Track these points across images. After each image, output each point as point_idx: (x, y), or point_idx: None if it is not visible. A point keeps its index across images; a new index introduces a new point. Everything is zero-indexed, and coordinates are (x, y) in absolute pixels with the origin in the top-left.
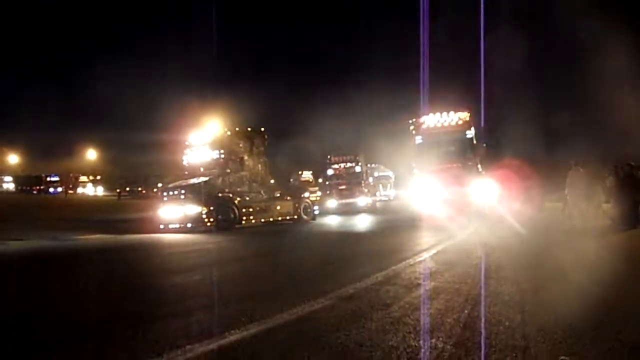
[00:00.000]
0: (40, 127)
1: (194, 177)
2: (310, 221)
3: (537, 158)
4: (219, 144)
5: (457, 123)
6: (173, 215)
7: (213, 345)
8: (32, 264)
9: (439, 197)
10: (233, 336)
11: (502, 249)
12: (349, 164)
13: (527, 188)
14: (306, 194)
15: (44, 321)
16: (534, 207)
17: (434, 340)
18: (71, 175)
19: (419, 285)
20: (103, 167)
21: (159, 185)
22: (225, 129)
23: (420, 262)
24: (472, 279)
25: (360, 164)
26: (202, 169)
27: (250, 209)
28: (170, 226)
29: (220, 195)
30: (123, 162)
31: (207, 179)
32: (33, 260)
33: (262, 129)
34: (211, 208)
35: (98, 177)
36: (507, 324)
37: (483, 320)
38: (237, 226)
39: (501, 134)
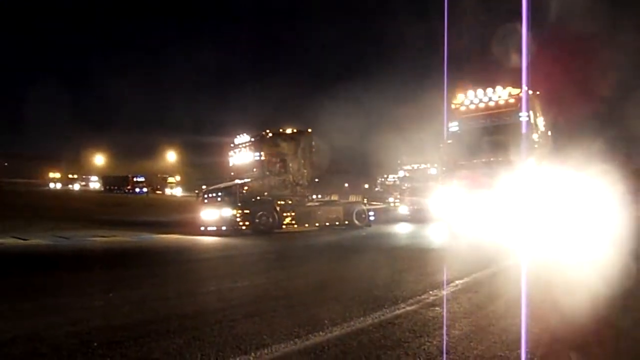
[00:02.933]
0: (124, 130)
1: (235, 179)
2: (364, 227)
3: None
4: (259, 146)
5: (507, 102)
6: (211, 218)
7: (299, 346)
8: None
9: (478, 208)
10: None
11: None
12: (422, 166)
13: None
14: (359, 198)
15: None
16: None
17: None
18: (158, 175)
19: None
20: (182, 168)
21: (203, 187)
22: (267, 130)
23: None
24: None
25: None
26: (245, 172)
27: (293, 213)
28: (209, 228)
29: (258, 198)
30: (203, 163)
31: (242, 181)
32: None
33: (309, 130)
34: (246, 211)
35: (177, 179)
36: None
37: None
38: (276, 231)
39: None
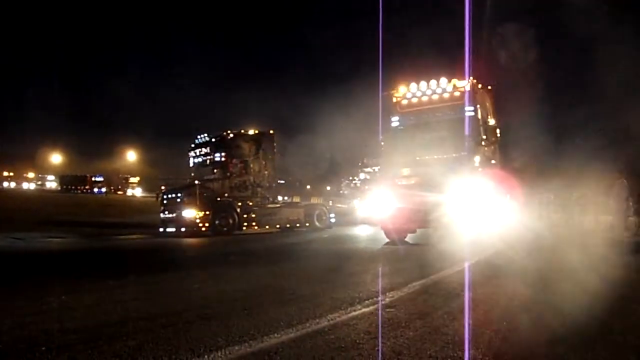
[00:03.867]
0: (82, 128)
1: (195, 180)
2: (325, 229)
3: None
4: (220, 146)
5: (452, 95)
6: (170, 219)
7: (252, 348)
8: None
9: (418, 209)
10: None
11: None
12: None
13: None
14: (321, 200)
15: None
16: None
17: None
18: (120, 176)
19: None
20: (143, 168)
21: (162, 188)
22: (228, 131)
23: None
24: None
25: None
26: (206, 172)
27: (253, 215)
28: (168, 230)
29: (219, 199)
30: (164, 163)
31: (203, 182)
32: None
33: (272, 131)
34: (206, 213)
35: (137, 179)
36: None
37: None
38: (237, 233)
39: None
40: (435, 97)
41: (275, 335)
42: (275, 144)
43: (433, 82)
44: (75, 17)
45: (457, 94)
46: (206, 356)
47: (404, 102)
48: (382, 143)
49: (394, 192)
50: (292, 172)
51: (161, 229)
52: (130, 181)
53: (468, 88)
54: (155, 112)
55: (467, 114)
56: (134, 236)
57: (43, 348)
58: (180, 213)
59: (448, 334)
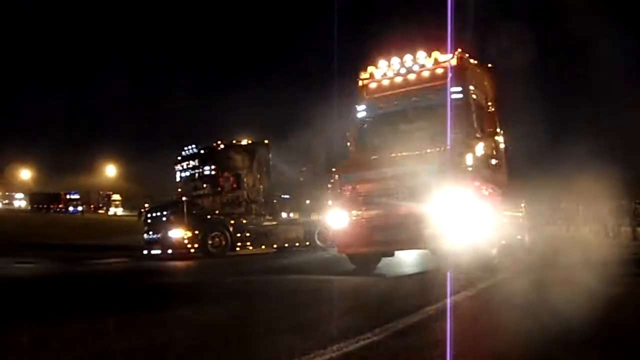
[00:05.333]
0: (54, 142)
1: (182, 196)
2: (327, 248)
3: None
4: (210, 159)
5: (433, 73)
6: (155, 240)
7: None
8: None
9: (383, 223)
10: None
11: None
12: None
13: None
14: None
15: None
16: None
17: None
18: (100, 193)
19: None
20: (123, 184)
21: (145, 205)
22: (218, 141)
23: None
24: None
25: None
26: (194, 188)
27: (247, 234)
28: (153, 252)
29: (209, 217)
30: (148, 178)
31: (191, 199)
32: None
33: (266, 141)
34: (195, 232)
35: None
36: None
37: None
38: (230, 254)
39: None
40: (411, 76)
41: None
42: (270, 155)
43: (408, 57)
44: (51, 23)
45: (439, 71)
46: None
47: (372, 85)
48: (347, 140)
49: (351, 204)
50: (290, 185)
51: (145, 252)
52: (112, 199)
53: (454, 62)
54: (137, 123)
55: (453, 96)
56: (113, 260)
57: None
58: (166, 233)
59: None
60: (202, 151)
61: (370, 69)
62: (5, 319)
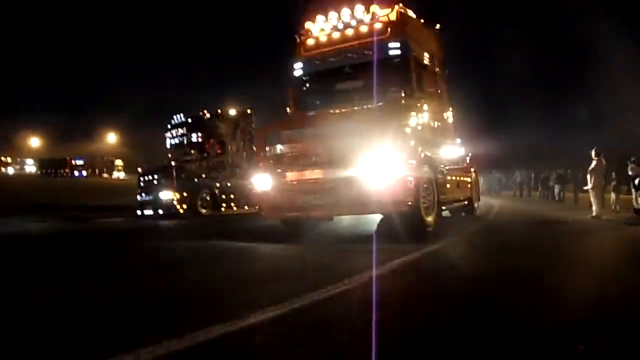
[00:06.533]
0: (61, 111)
1: (172, 161)
2: None
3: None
4: (197, 127)
5: (371, 28)
6: (148, 202)
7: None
8: None
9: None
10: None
11: None
12: None
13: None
14: None
15: None
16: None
17: None
18: (105, 158)
19: None
20: (124, 150)
21: (139, 170)
22: (204, 110)
23: None
24: None
25: None
26: (183, 153)
27: (232, 196)
28: (145, 212)
29: (196, 180)
30: (146, 145)
31: (180, 163)
32: None
33: (249, 110)
34: (184, 194)
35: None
36: None
37: None
38: (216, 214)
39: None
40: (349, 32)
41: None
42: (253, 124)
43: (346, 11)
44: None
45: (378, 25)
46: (187, 336)
47: (310, 42)
48: (287, 100)
49: (277, 165)
50: None
51: (139, 212)
52: (115, 164)
53: (393, 17)
54: (135, 93)
55: (391, 52)
56: (111, 220)
57: None
58: (157, 195)
59: None
60: (189, 120)
61: (307, 24)
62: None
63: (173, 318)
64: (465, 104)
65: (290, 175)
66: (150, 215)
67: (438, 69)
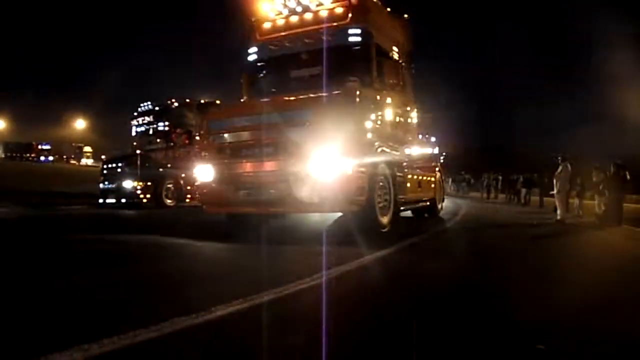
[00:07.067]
0: (29, 94)
1: (137, 149)
2: None
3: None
4: (164, 115)
5: (332, 13)
6: (110, 190)
7: None
8: None
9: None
10: None
11: None
12: None
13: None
14: None
15: None
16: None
17: None
18: (73, 144)
19: None
20: (93, 137)
21: (102, 157)
22: (172, 99)
23: None
24: None
25: None
26: (148, 142)
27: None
28: (108, 201)
29: (161, 170)
30: (115, 133)
31: (144, 152)
32: None
33: (218, 102)
34: (148, 183)
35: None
36: None
37: None
38: (180, 204)
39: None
40: (308, 16)
41: None
42: None
43: None
44: None
45: (338, 10)
46: (153, 327)
47: (267, 25)
48: (241, 88)
49: (217, 155)
50: None
51: (101, 200)
52: (84, 150)
53: (355, 1)
54: (106, 80)
55: (351, 38)
56: (74, 207)
57: None
58: (121, 184)
59: None
60: (156, 108)
61: (263, 6)
62: None
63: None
64: (441, 103)
65: (232, 167)
66: (113, 204)
67: (403, 62)
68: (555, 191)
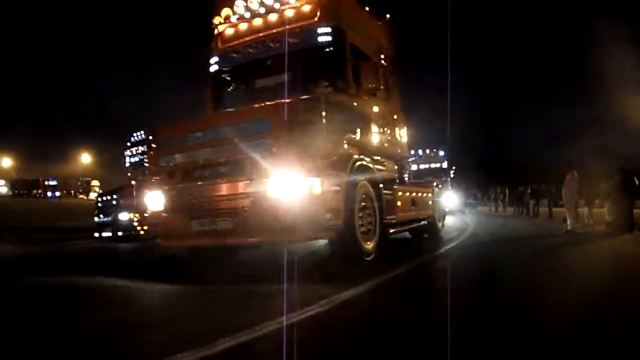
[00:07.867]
0: (34, 131)
1: (132, 180)
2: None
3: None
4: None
5: (299, 12)
6: (106, 223)
7: None
8: None
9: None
10: None
11: None
12: None
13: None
14: None
15: None
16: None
17: None
18: (80, 179)
19: None
20: (99, 170)
21: (99, 190)
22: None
23: None
24: None
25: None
26: (143, 172)
27: None
28: (104, 234)
29: None
30: (116, 164)
31: (138, 182)
32: None
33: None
34: (145, 215)
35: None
36: None
37: None
38: None
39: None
40: (272, 17)
41: None
42: None
43: None
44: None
45: (306, 8)
46: None
47: (228, 32)
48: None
49: (169, 179)
50: None
51: (96, 234)
52: (92, 184)
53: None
54: (109, 113)
55: (321, 38)
56: (72, 242)
57: None
58: (116, 216)
59: None
60: (149, 137)
61: (225, 11)
62: None
63: None
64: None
65: (184, 193)
66: (109, 237)
67: (386, 65)
68: (564, 201)
